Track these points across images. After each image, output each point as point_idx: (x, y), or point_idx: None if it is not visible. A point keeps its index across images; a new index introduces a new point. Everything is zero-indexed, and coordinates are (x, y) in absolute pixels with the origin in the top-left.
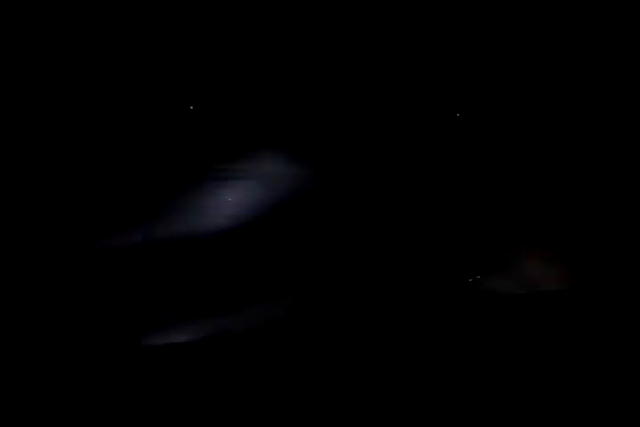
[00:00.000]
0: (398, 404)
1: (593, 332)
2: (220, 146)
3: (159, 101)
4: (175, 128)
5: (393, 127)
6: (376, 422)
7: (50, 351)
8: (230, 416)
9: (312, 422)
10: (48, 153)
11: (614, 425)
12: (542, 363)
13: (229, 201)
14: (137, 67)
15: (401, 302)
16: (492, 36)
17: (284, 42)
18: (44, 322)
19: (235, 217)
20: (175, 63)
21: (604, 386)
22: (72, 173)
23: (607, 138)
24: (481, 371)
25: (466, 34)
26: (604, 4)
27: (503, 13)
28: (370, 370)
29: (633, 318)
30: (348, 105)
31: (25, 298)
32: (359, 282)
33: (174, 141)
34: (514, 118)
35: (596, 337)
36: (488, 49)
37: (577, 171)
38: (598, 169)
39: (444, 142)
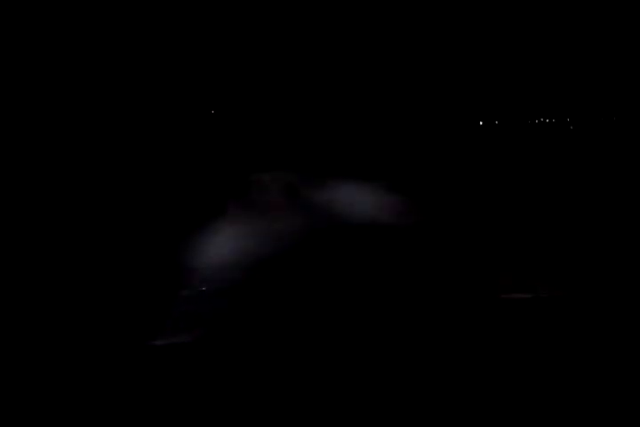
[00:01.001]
0: (404, 403)
1: (591, 335)
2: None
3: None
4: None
5: (417, 134)
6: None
7: (54, 350)
8: (231, 415)
9: (314, 422)
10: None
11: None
12: (543, 362)
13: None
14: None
15: (412, 307)
16: (517, 51)
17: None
18: (49, 321)
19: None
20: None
21: (602, 386)
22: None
23: (610, 147)
24: (486, 370)
25: (492, 49)
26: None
27: (528, 30)
28: (378, 371)
29: (630, 323)
30: (371, 113)
31: (28, 297)
32: (374, 288)
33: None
34: (533, 128)
35: (594, 340)
36: (512, 62)
37: (578, 184)
38: (598, 181)
39: (465, 150)
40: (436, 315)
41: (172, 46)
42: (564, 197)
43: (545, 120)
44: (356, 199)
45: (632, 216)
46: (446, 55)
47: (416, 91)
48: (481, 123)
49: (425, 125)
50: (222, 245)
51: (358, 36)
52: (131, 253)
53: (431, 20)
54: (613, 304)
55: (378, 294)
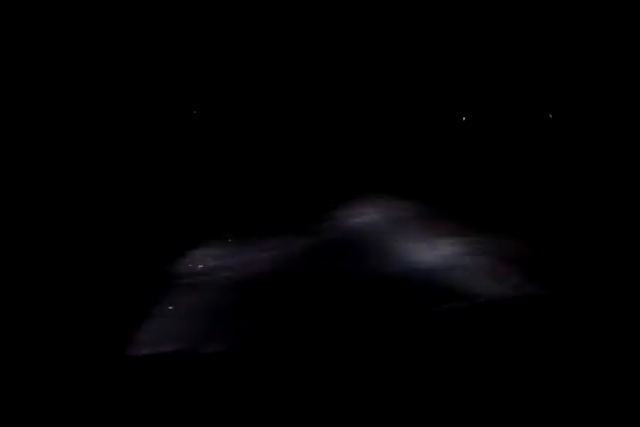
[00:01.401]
0: (392, 407)
1: (576, 334)
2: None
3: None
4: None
5: (401, 130)
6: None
7: (36, 359)
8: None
9: None
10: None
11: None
12: (528, 363)
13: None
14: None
15: (392, 308)
16: (501, 48)
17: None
18: (33, 329)
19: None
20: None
21: (591, 386)
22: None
23: (605, 144)
24: (471, 372)
25: (475, 45)
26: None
27: (511, 26)
28: (366, 372)
29: (616, 322)
30: (355, 112)
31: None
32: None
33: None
34: (518, 123)
35: (579, 340)
36: (495, 58)
37: (569, 178)
38: (590, 177)
39: (449, 145)
40: (408, 320)
41: (156, 47)
42: (547, 192)
43: (528, 116)
44: (341, 200)
45: (614, 210)
46: (429, 53)
47: (399, 87)
48: (464, 119)
49: (409, 121)
50: (210, 253)
51: (341, 40)
52: (113, 258)
53: (411, 23)
54: (600, 303)
55: (361, 301)
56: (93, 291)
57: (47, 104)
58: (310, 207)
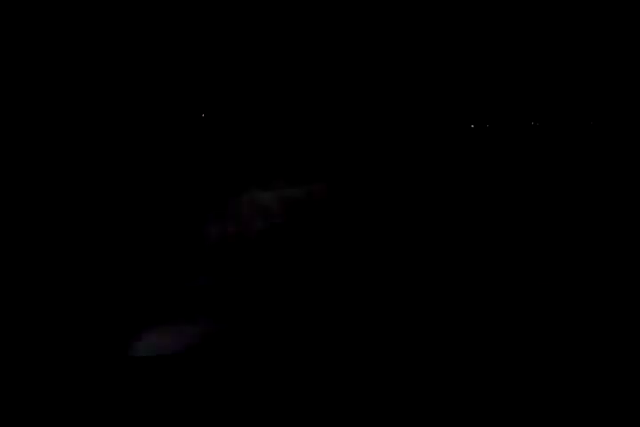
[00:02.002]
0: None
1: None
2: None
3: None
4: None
5: (407, 137)
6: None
7: (35, 361)
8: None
9: None
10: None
11: None
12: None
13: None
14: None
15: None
16: (509, 55)
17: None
18: (32, 331)
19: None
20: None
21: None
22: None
23: (605, 153)
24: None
25: (484, 52)
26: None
27: (520, 35)
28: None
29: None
30: (362, 116)
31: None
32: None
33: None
34: (524, 130)
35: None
36: (505, 65)
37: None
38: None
39: (457, 152)
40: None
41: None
42: (556, 200)
43: (537, 123)
44: (345, 204)
45: (620, 218)
46: (435, 58)
47: (406, 94)
48: (472, 126)
49: (416, 129)
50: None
51: (344, 41)
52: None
53: (415, 25)
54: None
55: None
56: (92, 292)
57: (48, 104)
58: None
